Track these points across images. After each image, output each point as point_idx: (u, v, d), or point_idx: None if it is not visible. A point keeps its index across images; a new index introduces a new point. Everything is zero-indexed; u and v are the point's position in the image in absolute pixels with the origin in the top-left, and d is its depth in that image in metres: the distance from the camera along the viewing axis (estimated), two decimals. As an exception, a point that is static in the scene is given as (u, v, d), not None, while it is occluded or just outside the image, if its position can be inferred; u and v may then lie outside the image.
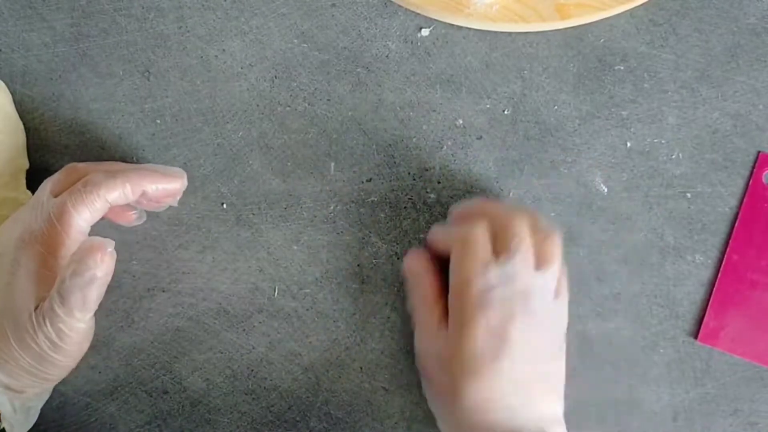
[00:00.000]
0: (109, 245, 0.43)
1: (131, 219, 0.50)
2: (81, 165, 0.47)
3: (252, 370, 0.51)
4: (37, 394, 0.46)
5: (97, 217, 0.45)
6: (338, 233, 0.52)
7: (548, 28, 0.52)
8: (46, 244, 0.43)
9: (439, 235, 0.48)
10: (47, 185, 0.46)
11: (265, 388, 0.51)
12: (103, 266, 0.42)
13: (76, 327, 0.43)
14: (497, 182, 0.52)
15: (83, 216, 0.44)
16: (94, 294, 0.43)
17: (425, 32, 0.53)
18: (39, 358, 0.43)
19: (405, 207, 0.52)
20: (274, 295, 0.52)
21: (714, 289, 0.52)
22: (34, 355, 0.43)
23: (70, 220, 0.43)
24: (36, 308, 0.43)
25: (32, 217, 0.44)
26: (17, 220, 0.46)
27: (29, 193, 0.51)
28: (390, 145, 0.53)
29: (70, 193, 0.44)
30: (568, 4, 0.51)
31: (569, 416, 0.50)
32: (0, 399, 0.43)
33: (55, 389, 0.50)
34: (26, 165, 0.51)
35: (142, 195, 0.46)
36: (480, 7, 0.51)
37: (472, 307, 0.43)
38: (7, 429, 0.44)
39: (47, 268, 0.43)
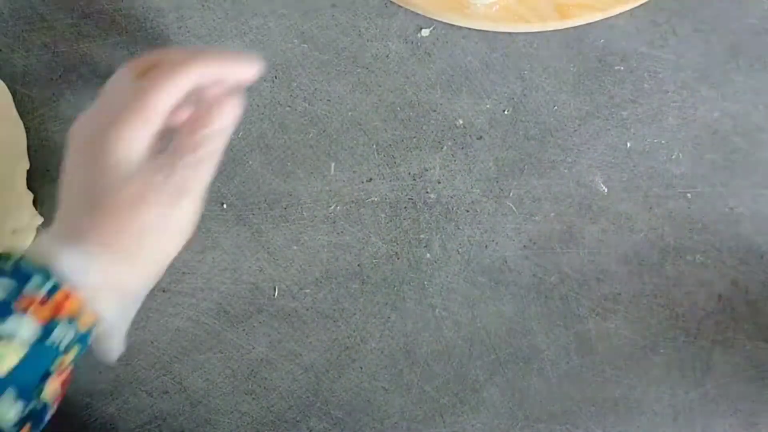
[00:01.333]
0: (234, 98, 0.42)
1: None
2: (158, 51, 0.45)
3: (252, 370, 0.51)
4: (119, 310, 0.42)
5: (181, 94, 0.42)
6: (338, 233, 0.52)
7: (548, 28, 0.52)
8: (135, 127, 0.41)
9: None
10: (127, 70, 0.44)
11: (265, 388, 0.51)
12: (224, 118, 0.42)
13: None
14: (497, 182, 0.53)
15: (172, 93, 0.42)
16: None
17: (425, 32, 0.53)
18: (143, 236, 0.40)
19: (405, 207, 0.52)
20: (274, 295, 0.52)
21: None
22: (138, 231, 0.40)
23: (157, 100, 0.41)
24: None
25: (119, 102, 0.42)
26: (102, 108, 0.43)
27: (30, 193, 0.51)
28: (390, 145, 0.53)
29: (157, 72, 0.42)
30: (568, 4, 0.51)
31: (570, 416, 0.51)
32: (105, 303, 0.40)
33: (55, 389, 0.50)
34: (27, 165, 0.51)
35: (216, 81, 0.44)
36: (480, 7, 0.51)
37: None
38: (106, 336, 0.41)
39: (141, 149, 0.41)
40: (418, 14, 0.53)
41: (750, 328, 0.52)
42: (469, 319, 0.52)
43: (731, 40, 0.54)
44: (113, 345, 0.41)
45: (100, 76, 0.52)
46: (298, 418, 0.51)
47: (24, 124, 0.52)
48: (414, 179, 0.52)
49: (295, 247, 0.52)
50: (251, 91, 0.52)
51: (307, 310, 0.52)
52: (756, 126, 0.53)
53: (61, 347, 0.38)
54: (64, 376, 0.39)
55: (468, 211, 0.52)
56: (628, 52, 0.53)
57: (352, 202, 0.52)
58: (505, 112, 0.53)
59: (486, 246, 0.52)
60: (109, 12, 0.53)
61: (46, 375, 0.37)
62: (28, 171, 0.51)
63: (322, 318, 0.52)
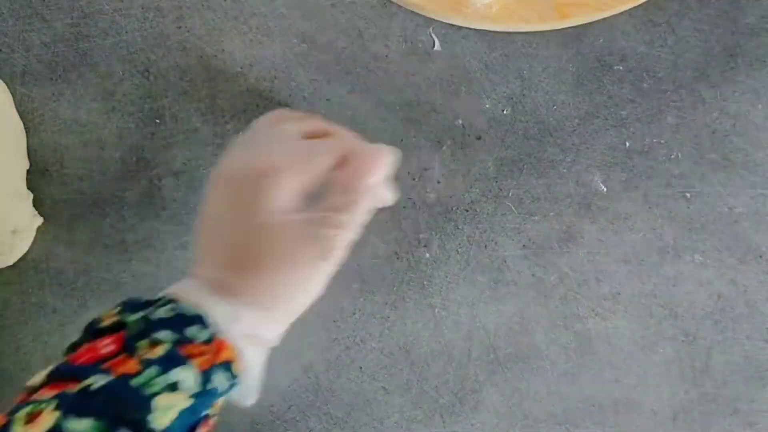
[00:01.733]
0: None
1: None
2: (329, 126, 0.45)
3: (252, 370, 0.51)
4: (260, 357, 0.42)
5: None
6: (338, 233, 0.52)
7: (548, 28, 0.52)
8: (300, 179, 0.41)
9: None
10: (280, 118, 0.44)
11: (265, 387, 0.51)
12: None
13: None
14: (496, 182, 0.53)
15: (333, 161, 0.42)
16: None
17: (425, 32, 0.53)
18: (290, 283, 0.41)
19: (405, 207, 0.52)
20: (273, 294, 0.52)
21: None
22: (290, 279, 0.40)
23: (327, 163, 0.42)
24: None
25: (284, 151, 0.41)
26: (256, 153, 0.42)
27: (30, 193, 0.51)
28: (390, 144, 0.52)
29: (334, 143, 0.43)
30: (567, 3, 0.51)
31: (570, 416, 0.51)
32: (249, 351, 0.40)
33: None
34: (27, 165, 0.51)
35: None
36: (479, 7, 0.51)
37: None
38: (247, 382, 0.40)
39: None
40: (418, 14, 0.53)
41: (749, 327, 0.52)
42: (468, 318, 0.52)
43: (730, 40, 0.54)
44: (252, 391, 0.42)
45: (100, 75, 0.52)
46: (297, 418, 0.51)
47: (24, 124, 0.52)
48: (414, 179, 0.52)
49: (294, 247, 0.52)
50: (251, 91, 0.53)
51: (307, 310, 0.52)
52: (755, 126, 0.53)
53: (218, 394, 0.38)
54: (210, 426, 0.39)
55: (467, 211, 0.52)
56: (627, 51, 0.53)
57: (352, 201, 0.52)
58: (505, 112, 0.53)
59: (485, 246, 0.52)
60: (109, 12, 0.53)
61: (197, 423, 0.37)
62: (27, 171, 0.51)
63: (321, 318, 0.52)
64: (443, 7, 0.51)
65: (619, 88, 0.53)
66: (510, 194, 0.53)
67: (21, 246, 0.51)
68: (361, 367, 0.52)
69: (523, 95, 0.53)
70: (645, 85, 0.53)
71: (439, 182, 0.52)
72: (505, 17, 0.51)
